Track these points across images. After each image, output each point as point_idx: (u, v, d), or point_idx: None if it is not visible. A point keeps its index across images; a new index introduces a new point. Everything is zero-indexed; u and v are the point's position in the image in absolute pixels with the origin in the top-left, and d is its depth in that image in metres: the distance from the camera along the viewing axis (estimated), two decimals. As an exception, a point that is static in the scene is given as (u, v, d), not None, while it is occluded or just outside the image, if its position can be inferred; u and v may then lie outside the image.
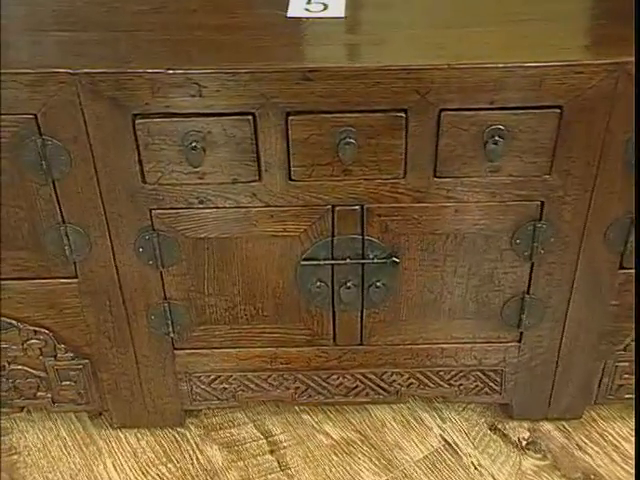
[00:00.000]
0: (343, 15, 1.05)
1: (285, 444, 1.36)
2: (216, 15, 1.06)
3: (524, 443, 1.33)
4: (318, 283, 1.15)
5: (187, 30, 1.03)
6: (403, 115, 0.96)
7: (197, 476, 1.30)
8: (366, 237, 1.10)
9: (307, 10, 1.06)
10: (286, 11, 1.06)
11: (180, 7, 1.07)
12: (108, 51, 0.97)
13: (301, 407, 1.42)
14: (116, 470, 1.31)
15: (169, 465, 1.32)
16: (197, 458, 1.34)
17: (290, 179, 1.03)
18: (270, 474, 1.31)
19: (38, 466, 1.32)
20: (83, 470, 1.31)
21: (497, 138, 0.97)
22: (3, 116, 0.95)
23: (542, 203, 1.06)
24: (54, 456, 1.34)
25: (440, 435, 1.36)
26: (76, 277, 1.14)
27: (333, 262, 1.12)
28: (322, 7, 1.07)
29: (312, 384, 1.31)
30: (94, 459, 1.33)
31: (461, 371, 1.28)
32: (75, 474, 1.31)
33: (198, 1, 1.09)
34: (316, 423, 1.39)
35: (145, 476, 1.30)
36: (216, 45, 1.00)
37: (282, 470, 1.31)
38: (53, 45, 0.99)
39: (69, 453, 1.34)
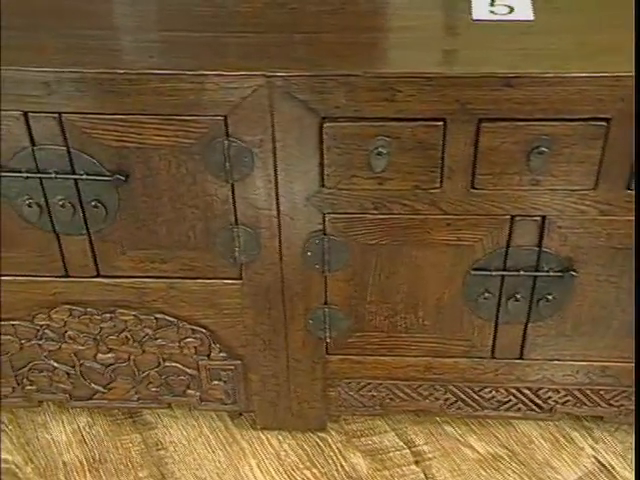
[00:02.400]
0: (532, 18, 1.01)
1: (430, 455, 1.33)
2: (398, 17, 1.04)
3: (686, 470, 1.27)
4: (486, 294, 1.11)
5: (370, 32, 1.01)
6: (604, 124, 0.92)
7: (343, 483, 1.30)
8: (543, 249, 1.06)
9: (492, 12, 1.03)
10: (470, 14, 1.03)
11: (360, 9, 1.05)
12: (296, 53, 0.96)
13: (442, 418, 1.39)
14: (261, 472, 1.31)
15: (314, 470, 1.31)
16: (341, 464, 1.32)
17: (472, 187, 1.00)
18: (418, 486, 1.29)
19: (185, 462, 1.33)
20: (229, 470, 1.32)
21: None
22: (195, 117, 0.96)
23: None
24: (199, 454, 1.35)
25: (593, 456, 1.30)
26: (240, 278, 1.14)
27: (505, 273, 1.09)
28: (508, 10, 1.03)
29: (463, 396, 1.28)
30: (239, 459, 1.34)
31: (624, 391, 1.23)
32: (222, 473, 1.31)
33: (377, 3, 1.07)
34: (460, 435, 1.36)
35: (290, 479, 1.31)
36: (404, 48, 0.98)
37: (429, 482, 1.29)
38: (240, 47, 0.98)
39: (214, 451, 1.35)
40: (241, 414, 1.41)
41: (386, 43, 0.98)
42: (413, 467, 1.31)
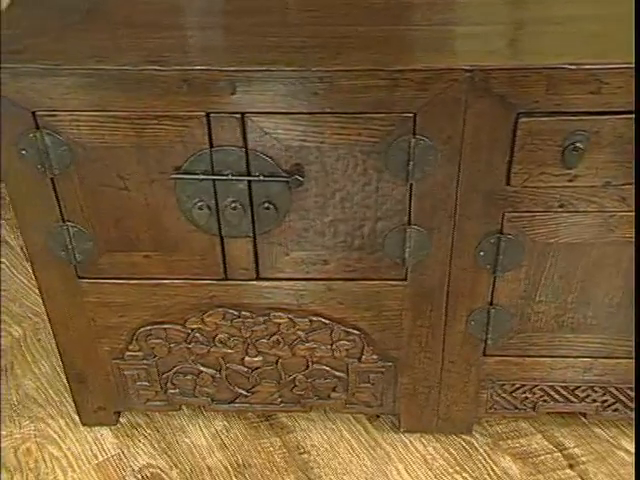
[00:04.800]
0: None
1: (583, 459, 1.29)
2: (579, 5, 1.00)
3: None
4: (666, 293, 1.07)
5: (561, 23, 0.96)
6: None
7: (498, 488, 1.26)
8: None
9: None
10: (658, 0, 0.99)
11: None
12: (491, 45, 0.92)
13: (590, 420, 1.34)
14: (410, 476, 1.28)
15: (464, 474, 1.28)
16: (492, 469, 1.28)
17: (668, 182, 0.96)
18: (577, 491, 1.25)
19: (331, 467, 1.30)
20: (377, 474, 1.29)
21: None
22: (382, 115, 0.93)
23: None
24: (344, 458, 1.32)
25: None
26: (405, 280, 1.11)
27: (690, 272, 1.05)
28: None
29: (623, 398, 1.23)
30: (385, 463, 1.31)
31: None
32: (370, 478, 1.28)
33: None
34: (611, 438, 1.31)
35: (442, 484, 1.27)
36: (596, 38, 0.93)
37: (588, 487, 1.25)
38: (427, 41, 0.94)
39: (358, 456, 1.32)
40: (378, 416, 1.38)
41: (578, 34, 0.94)
42: (568, 471, 1.27)
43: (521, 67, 0.87)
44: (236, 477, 1.29)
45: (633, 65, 0.86)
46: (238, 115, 0.94)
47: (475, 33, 0.95)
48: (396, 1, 1.02)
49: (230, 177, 0.99)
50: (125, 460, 1.31)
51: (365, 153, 0.97)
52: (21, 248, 1.76)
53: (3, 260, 1.73)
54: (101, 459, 1.31)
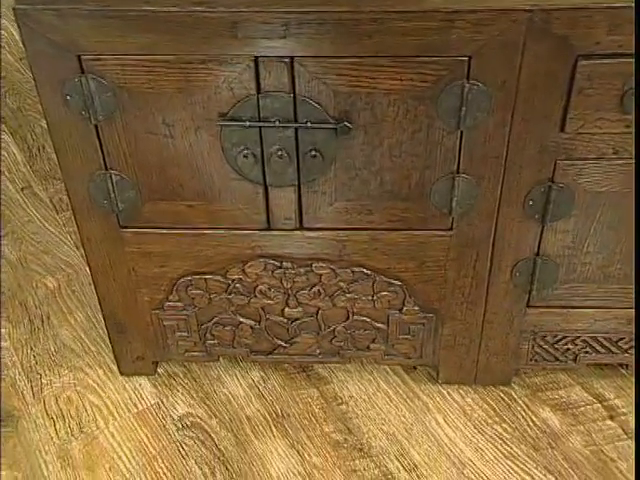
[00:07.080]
0: None
1: (624, 410, 1.28)
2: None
3: None
4: None
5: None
6: None
7: (537, 438, 1.25)
8: None
9: None
10: None
11: None
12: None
13: (629, 371, 1.34)
14: (450, 427, 1.28)
15: (504, 425, 1.28)
16: (532, 419, 1.28)
17: None
18: (618, 441, 1.24)
19: (369, 417, 1.31)
20: (416, 425, 1.29)
21: None
22: (436, 58, 0.90)
23: None
24: (382, 408, 1.32)
25: None
26: (450, 229, 1.09)
27: None
28: None
29: (666, 350, 1.23)
30: (423, 414, 1.31)
31: None
32: (409, 428, 1.29)
33: None
34: (650, 390, 1.32)
35: (482, 435, 1.27)
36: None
37: (630, 438, 1.24)
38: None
39: (396, 406, 1.32)
40: (415, 368, 1.38)
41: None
42: (609, 422, 1.27)
43: (584, 6, 0.84)
44: (275, 427, 1.30)
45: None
46: (287, 59, 0.91)
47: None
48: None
49: (277, 124, 0.96)
50: (165, 409, 1.32)
51: (417, 99, 0.94)
52: (50, 200, 1.75)
53: (34, 212, 1.73)
54: (141, 408, 1.33)
